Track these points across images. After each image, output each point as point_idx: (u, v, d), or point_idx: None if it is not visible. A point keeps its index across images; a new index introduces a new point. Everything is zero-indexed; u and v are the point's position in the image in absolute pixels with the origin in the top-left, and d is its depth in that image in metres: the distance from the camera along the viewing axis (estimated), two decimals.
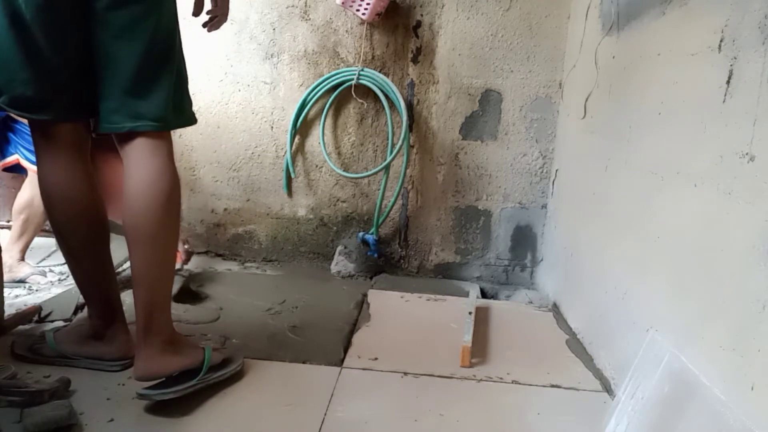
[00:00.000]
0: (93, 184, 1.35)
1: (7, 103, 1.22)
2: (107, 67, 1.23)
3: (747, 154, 0.99)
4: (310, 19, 2.35)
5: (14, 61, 1.18)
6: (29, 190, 2.04)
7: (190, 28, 2.42)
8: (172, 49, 1.28)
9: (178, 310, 1.82)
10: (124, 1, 1.20)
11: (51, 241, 2.49)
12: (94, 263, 1.38)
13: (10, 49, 1.17)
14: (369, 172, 2.39)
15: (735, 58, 1.05)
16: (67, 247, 1.36)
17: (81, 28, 1.21)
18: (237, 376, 1.42)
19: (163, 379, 1.26)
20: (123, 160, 1.27)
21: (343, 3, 2.20)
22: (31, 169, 2.06)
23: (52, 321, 1.67)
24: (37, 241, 2.51)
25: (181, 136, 2.46)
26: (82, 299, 1.78)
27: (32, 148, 2.00)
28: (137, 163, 1.25)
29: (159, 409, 1.25)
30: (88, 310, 1.43)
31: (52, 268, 2.15)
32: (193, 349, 1.33)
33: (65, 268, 2.18)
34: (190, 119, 1.37)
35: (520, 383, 1.51)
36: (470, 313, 1.86)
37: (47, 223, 2.56)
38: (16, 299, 1.85)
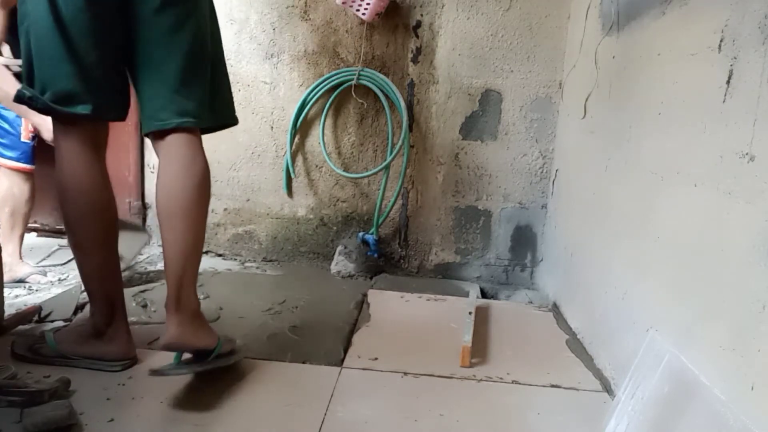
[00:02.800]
0: (108, 181, 1.39)
1: (51, 100, 1.26)
2: (154, 68, 1.32)
3: (747, 154, 0.99)
4: (310, 19, 2.35)
5: (57, 57, 1.23)
6: (5, 182, 2.03)
7: None
8: (208, 48, 1.38)
9: None
10: (170, 3, 1.29)
11: (51, 241, 2.50)
12: (102, 257, 1.39)
13: (54, 47, 1.23)
14: (369, 172, 2.39)
15: (735, 58, 1.05)
16: (76, 240, 1.37)
17: (119, 31, 1.30)
18: (237, 377, 1.43)
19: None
20: (160, 151, 1.37)
21: (343, 3, 2.20)
22: (3, 164, 2.04)
23: (52, 321, 1.67)
24: (37, 241, 2.52)
25: None
26: (82, 299, 1.78)
27: (2, 141, 2.00)
28: (175, 152, 1.36)
29: (159, 409, 1.25)
30: (90, 307, 1.43)
31: (52, 268, 2.15)
32: (211, 331, 1.38)
33: (65, 268, 2.18)
34: (227, 118, 1.53)
35: (520, 383, 1.51)
36: (470, 313, 1.86)
37: (46, 223, 2.58)
38: (16, 299, 1.85)
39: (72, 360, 1.40)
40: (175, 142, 1.35)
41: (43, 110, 1.30)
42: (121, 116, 1.40)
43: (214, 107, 1.43)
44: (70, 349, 1.41)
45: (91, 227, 1.35)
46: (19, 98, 1.29)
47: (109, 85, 1.33)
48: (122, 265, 2.08)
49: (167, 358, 1.51)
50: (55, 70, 1.25)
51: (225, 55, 1.51)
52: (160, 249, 2.53)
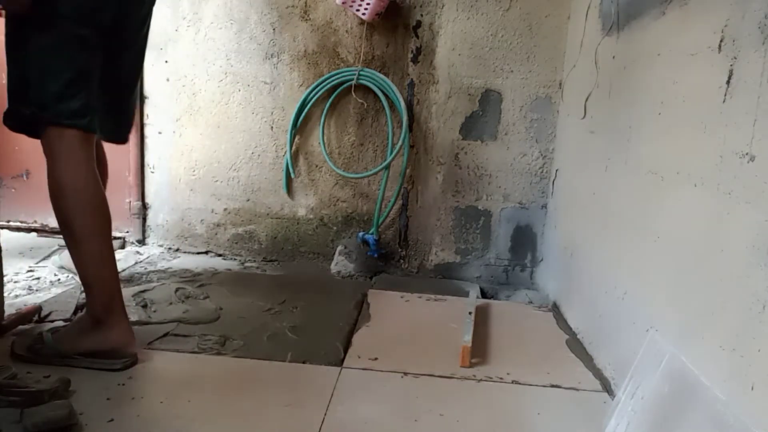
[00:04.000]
0: (98, 178, 1.46)
1: (55, 115, 1.37)
2: (130, 86, 1.67)
3: (747, 154, 0.99)
4: (310, 19, 2.36)
5: (67, 78, 1.37)
6: None
7: (189, 28, 2.43)
8: None
9: (177, 310, 1.82)
10: (146, 28, 1.62)
11: (51, 241, 2.50)
12: (100, 245, 1.43)
13: (65, 69, 1.37)
14: (369, 172, 2.39)
15: (735, 58, 1.05)
16: (73, 232, 1.40)
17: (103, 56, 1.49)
18: (237, 378, 1.43)
19: None
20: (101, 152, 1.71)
21: (343, 3, 2.20)
22: None
23: (52, 321, 1.67)
24: (38, 241, 2.52)
25: (181, 136, 2.46)
26: (81, 299, 1.79)
27: None
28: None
29: (159, 409, 1.25)
30: (88, 299, 1.44)
31: (52, 268, 2.15)
32: None
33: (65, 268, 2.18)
34: None
35: (520, 383, 1.51)
36: (470, 313, 1.86)
37: (45, 223, 2.58)
38: (16, 299, 1.85)
39: (72, 360, 1.40)
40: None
41: (47, 124, 1.38)
42: (112, 138, 1.69)
43: None
44: (70, 347, 1.41)
45: (89, 218, 1.41)
46: (19, 116, 1.39)
47: (99, 105, 1.48)
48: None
49: (168, 359, 1.52)
50: (65, 90, 1.37)
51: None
52: (160, 249, 2.54)
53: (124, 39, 1.55)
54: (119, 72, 1.58)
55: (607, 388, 1.50)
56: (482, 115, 2.35)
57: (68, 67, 1.37)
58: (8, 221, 2.59)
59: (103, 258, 1.44)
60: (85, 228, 1.41)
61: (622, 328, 1.47)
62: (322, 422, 1.26)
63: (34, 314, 1.67)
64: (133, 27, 1.58)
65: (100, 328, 1.41)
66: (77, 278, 1.97)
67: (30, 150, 2.41)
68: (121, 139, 1.73)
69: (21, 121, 1.40)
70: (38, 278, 2.05)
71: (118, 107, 1.65)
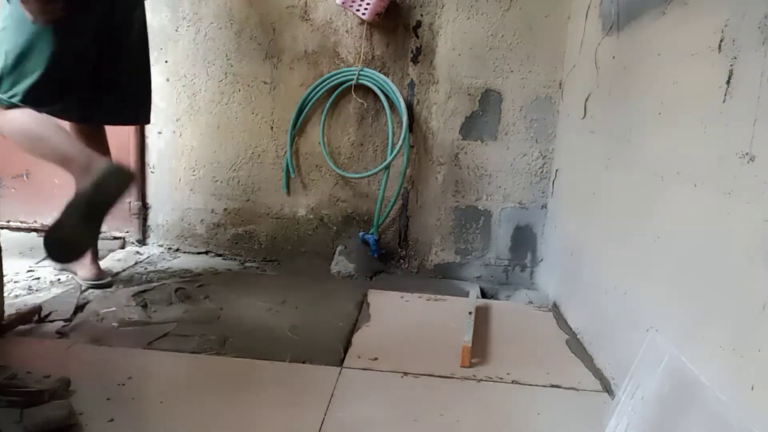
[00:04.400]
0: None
1: (20, 100, 1.59)
2: (133, 71, 1.91)
3: (747, 154, 0.99)
4: (310, 19, 2.35)
5: (37, 67, 1.61)
6: None
7: (189, 28, 2.43)
8: None
9: (177, 310, 1.82)
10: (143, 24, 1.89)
11: None
12: (60, 134, 1.61)
13: (35, 58, 1.60)
14: (369, 172, 2.39)
15: (735, 58, 1.05)
16: (32, 138, 1.61)
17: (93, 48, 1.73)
18: (238, 378, 1.42)
19: None
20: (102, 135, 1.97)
21: (343, 3, 2.20)
22: None
23: (52, 321, 1.67)
24: (38, 241, 2.52)
25: (181, 136, 2.46)
26: (82, 299, 1.79)
27: None
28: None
29: (159, 409, 1.25)
30: (73, 169, 1.59)
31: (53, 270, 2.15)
32: None
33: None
34: None
35: (520, 383, 1.51)
36: (470, 313, 1.86)
37: (46, 223, 2.57)
38: (16, 299, 1.85)
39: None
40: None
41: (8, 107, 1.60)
42: (127, 120, 2.02)
43: None
44: (85, 194, 1.52)
45: (42, 125, 1.61)
46: None
47: (76, 91, 1.73)
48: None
49: (168, 359, 1.52)
50: (35, 79, 1.58)
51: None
52: (160, 249, 2.54)
53: (116, 35, 1.75)
54: (116, 60, 1.80)
55: (607, 388, 1.50)
56: (482, 115, 2.35)
57: (30, 53, 1.57)
58: (8, 221, 2.58)
59: (69, 140, 1.63)
60: (42, 129, 1.61)
61: (622, 328, 1.47)
62: (322, 422, 1.26)
63: (34, 314, 1.67)
64: (123, 22, 1.78)
65: (93, 167, 1.55)
66: (77, 278, 1.99)
67: None
68: (137, 120, 2.02)
69: None
70: (38, 278, 2.05)
71: (125, 91, 1.89)
